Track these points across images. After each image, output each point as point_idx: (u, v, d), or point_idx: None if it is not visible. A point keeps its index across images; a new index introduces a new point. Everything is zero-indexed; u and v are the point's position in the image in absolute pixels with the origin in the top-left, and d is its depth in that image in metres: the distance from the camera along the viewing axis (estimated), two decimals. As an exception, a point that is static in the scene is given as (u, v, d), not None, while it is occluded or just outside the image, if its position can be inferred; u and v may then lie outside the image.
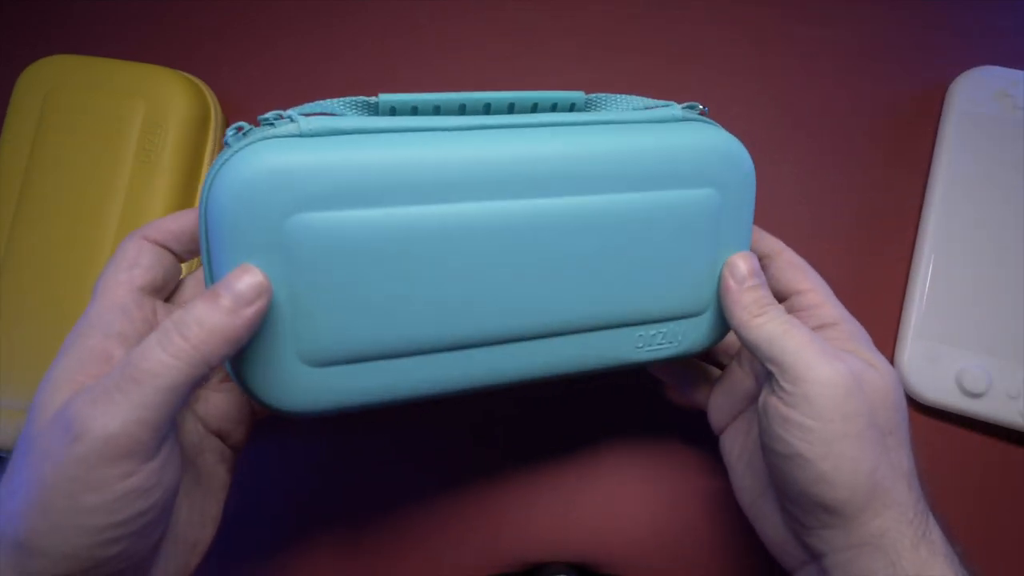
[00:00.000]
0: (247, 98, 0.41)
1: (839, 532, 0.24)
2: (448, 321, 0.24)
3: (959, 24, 0.41)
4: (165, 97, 0.36)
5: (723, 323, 0.28)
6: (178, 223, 0.24)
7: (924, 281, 0.37)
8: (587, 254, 0.26)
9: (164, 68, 0.37)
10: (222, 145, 0.39)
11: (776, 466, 0.25)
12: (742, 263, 0.27)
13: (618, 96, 0.28)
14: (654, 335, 0.28)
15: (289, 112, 0.23)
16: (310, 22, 0.42)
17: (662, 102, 0.28)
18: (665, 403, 0.37)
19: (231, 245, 0.22)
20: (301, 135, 0.22)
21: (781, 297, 0.29)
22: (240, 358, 0.23)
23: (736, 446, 0.30)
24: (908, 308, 0.37)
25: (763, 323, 0.26)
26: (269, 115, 0.23)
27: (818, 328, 0.27)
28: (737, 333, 0.27)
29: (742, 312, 0.26)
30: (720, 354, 0.33)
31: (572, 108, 0.27)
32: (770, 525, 0.28)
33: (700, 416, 0.38)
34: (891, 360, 0.37)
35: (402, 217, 0.23)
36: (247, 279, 0.21)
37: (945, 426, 0.37)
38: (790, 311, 0.28)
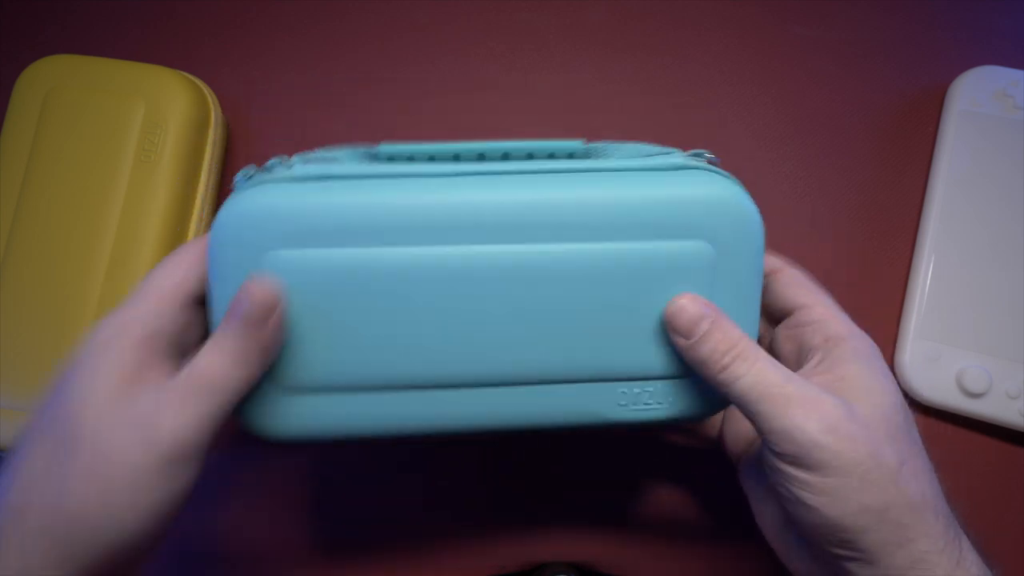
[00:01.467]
0: (247, 98, 0.40)
1: (865, 566, 0.23)
2: (418, 359, 0.25)
3: (959, 24, 0.41)
4: (165, 97, 0.36)
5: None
6: None
7: (924, 281, 0.37)
8: (567, 302, 0.25)
9: (164, 68, 0.37)
10: (222, 145, 0.39)
11: (783, 506, 0.24)
12: (683, 313, 0.25)
13: (618, 144, 0.27)
14: (639, 393, 0.26)
15: (293, 159, 0.25)
16: (310, 22, 0.42)
17: (664, 149, 0.27)
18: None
19: (219, 277, 0.24)
20: (293, 180, 0.24)
21: (784, 313, 0.28)
22: None
23: (754, 474, 0.28)
24: (908, 308, 0.37)
25: (731, 380, 0.24)
26: (272, 161, 0.25)
27: (823, 343, 0.26)
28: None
29: (704, 370, 0.24)
30: None
31: (571, 156, 0.26)
32: (798, 557, 0.26)
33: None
34: (891, 360, 0.37)
35: (377, 257, 0.24)
36: (253, 299, 0.22)
37: (945, 426, 0.37)
38: (795, 326, 0.27)
